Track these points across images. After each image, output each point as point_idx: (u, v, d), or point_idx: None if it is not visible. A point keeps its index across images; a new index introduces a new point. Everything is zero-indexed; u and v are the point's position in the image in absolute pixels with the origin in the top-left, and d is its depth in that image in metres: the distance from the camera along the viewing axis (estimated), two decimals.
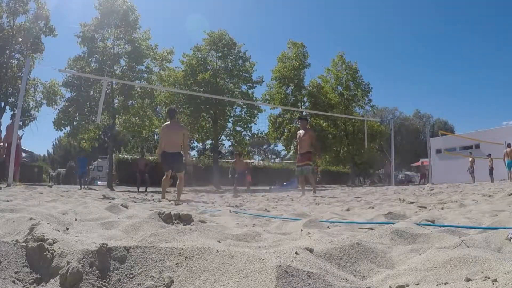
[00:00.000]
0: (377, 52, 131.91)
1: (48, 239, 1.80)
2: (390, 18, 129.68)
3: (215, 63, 32.79)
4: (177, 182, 10.34)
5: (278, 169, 43.30)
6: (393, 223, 2.94)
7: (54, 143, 70.97)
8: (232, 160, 23.17)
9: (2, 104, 28.02)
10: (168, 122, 10.19)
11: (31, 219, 2.39)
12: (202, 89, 30.14)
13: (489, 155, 28.03)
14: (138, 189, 21.01)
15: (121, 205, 4.74)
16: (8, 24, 28.27)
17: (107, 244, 1.70)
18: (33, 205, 4.71)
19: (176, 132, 9.98)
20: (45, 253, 1.66)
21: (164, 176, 10.07)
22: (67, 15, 68.72)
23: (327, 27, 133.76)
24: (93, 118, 25.14)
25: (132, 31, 27.66)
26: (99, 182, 34.97)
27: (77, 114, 25.77)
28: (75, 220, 3.04)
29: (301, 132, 12.85)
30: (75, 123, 25.83)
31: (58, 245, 1.73)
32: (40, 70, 27.28)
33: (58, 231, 2.14)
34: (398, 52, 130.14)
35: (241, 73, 33.18)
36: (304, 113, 37.74)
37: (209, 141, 35.26)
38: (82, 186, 22.14)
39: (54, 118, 26.14)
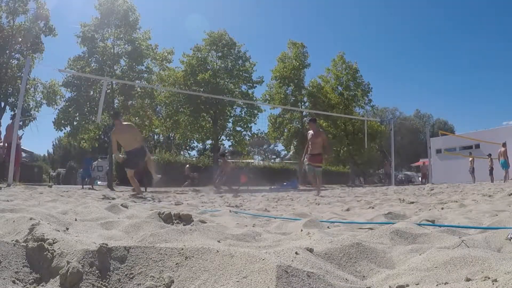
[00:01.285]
0: (378, 51, 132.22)
1: (48, 239, 1.80)
2: (390, 17, 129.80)
3: (215, 63, 32.85)
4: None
5: (278, 169, 43.33)
6: (393, 223, 2.94)
7: (54, 143, 71.13)
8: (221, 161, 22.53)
9: (2, 104, 28.05)
10: (117, 125, 10.74)
11: (31, 219, 2.39)
12: (202, 89, 30.18)
13: (489, 155, 28.02)
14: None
15: (121, 205, 4.75)
16: (8, 24, 28.30)
17: (107, 244, 1.70)
18: (33, 205, 4.71)
19: (129, 131, 10.65)
20: (45, 253, 1.66)
21: (130, 177, 10.76)
22: (67, 15, 68.84)
23: (327, 27, 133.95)
24: (93, 118, 25.20)
25: (132, 31, 27.74)
26: (99, 182, 35.00)
27: (77, 114, 25.84)
28: (75, 220, 3.05)
29: (311, 133, 12.74)
30: (75, 123, 25.92)
31: (58, 245, 1.73)
32: (40, 70, 27.34)
33: (58, 231, 2.15)
34: (399, 52, 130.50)
35: (241, 73, 33.23)
36: (304, 113, 37.82)
37: (209, 141, 35.38)
38: (86, 186, 22.13)
39: (54, 118, 26.22)
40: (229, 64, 32.99)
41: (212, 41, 32.68)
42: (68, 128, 26.44)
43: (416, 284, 1.48)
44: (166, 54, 28.50)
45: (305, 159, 12.74)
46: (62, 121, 25.96)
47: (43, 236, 1.84)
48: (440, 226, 3.01)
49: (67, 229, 2.52)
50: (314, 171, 12.66)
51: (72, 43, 35.23)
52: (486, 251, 1.77)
